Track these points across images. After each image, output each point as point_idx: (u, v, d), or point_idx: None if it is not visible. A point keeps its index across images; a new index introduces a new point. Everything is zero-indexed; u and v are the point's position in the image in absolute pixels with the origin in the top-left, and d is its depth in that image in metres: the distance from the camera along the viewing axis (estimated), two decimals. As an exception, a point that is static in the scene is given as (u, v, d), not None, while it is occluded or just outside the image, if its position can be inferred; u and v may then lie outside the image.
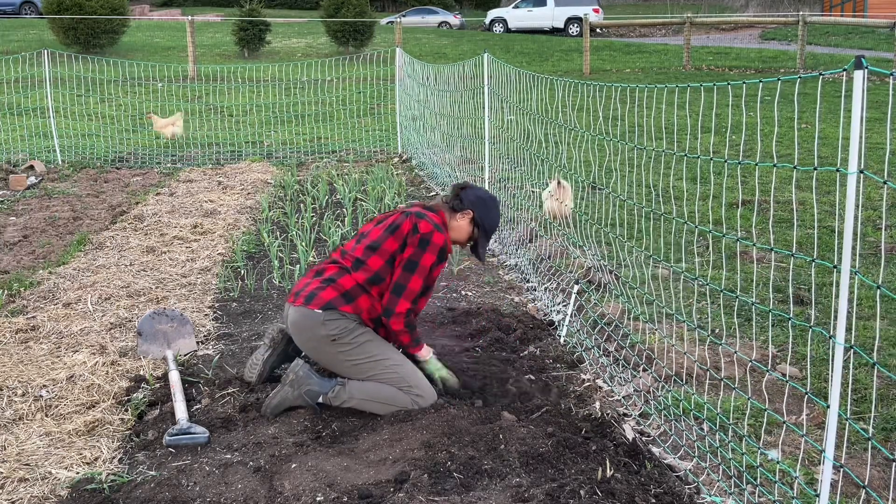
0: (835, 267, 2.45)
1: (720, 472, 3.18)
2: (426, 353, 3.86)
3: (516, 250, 6.30)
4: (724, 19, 30.74)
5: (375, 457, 3.30)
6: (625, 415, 3.72)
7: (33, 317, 4.94)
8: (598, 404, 3.76)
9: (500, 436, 3.35)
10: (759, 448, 3.28)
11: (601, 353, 4.29)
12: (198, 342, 4.64)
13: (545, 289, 5.36)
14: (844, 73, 2.42)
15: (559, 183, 6.37)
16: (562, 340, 4.58)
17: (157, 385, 4.04)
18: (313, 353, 3.77)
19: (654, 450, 3.41)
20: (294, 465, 3.23)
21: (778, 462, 3.24)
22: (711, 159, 3.76)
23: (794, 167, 2.69)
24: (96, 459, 3.36)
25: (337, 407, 3.67)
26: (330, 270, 3.78)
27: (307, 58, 22.08)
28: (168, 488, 3.08)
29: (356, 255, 3.75)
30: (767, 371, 3.59)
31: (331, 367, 3.77)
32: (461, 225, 3.88)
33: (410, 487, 3.01)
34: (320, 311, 3.65)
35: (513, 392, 3.84)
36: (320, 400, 3.67)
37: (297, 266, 5.86)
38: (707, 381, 3.83)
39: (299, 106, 13.26)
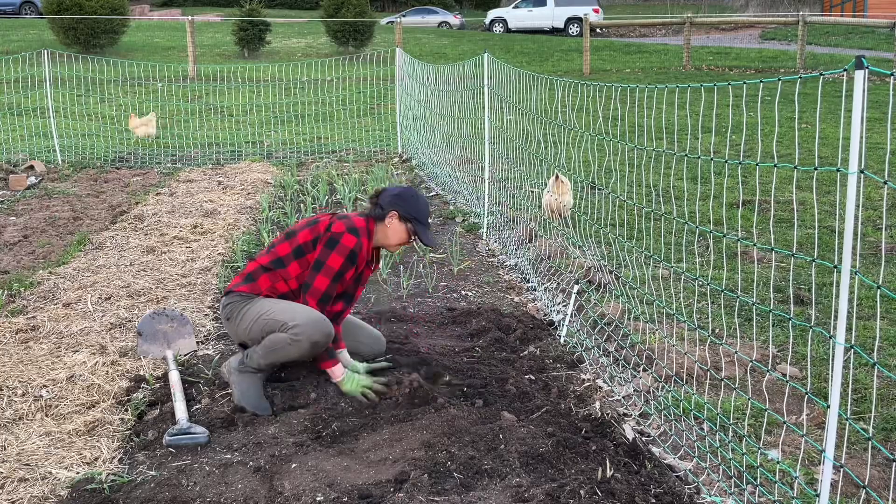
0: (835, 267, 2.45)
1: (720, 472, 3.18)
2: (339, 372, 3.79)
3: (516, 250, 6.30)
4: (724, 19, 30.74)
5: (375, 457, 3.30)
6: (625, 415, 3.72)
7: (33, 317, 4.94)
8: (598, 404, 3.76)
9: (500, 436, 3.35)
10: (759, 448, 3.28)
11: (601, 353, 4.29)
12: (198, 342, 4.64)
13: (545, 289, 5.36)
14: (845, 73, 2.42)
15: (557, 177, 6.39)
16: (562, 340, 4.58)
17: (157, 385, 4.04)
18: (236, 327, 3.88)
19: (654, 450, 3.41)
20: (294, 465, 3.23)
21: (778, 462, 3.24)
22: (711, 159, 3.76)
23: (795, 167, 2.69)
24: (96, 459, 3.36)
25: (259, 368, 3.76)
26: (251, 261, 4.00)
27: (307, 58, 22.08)
28: (168, 488, 3.08)
29: (274, 240, 3.94)
30: (767, 371, 3.59)
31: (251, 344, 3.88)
32: (393, 228, 3.88)
33: (410, 487, 3.01)
34: (225, 299, 3.88)
35: (513, 392, 3.84)
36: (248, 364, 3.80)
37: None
38: (707, 382, 3.83)
39: (299, 106, 13.26)
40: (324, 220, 3.84)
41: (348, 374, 3.80)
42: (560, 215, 6.38)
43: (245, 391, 3.73)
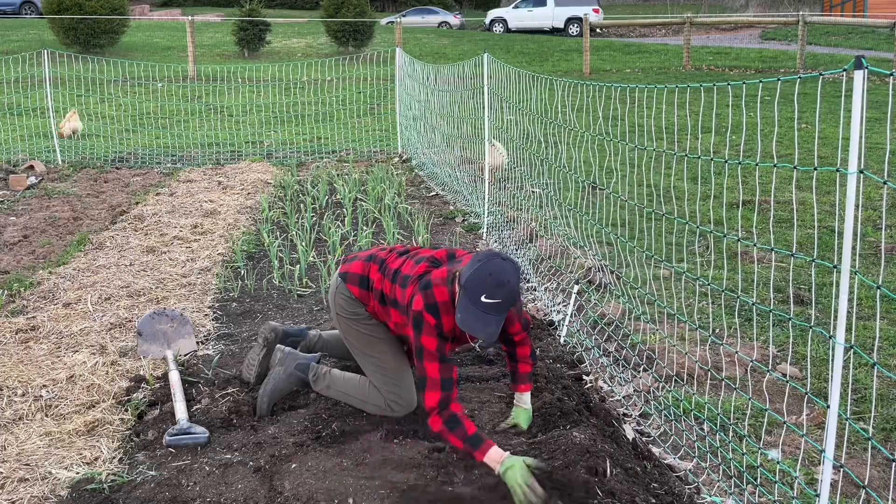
0: (835, 267, 2.45)
1: (720, 472, 3.18)
2: (497, 457, 2.97)
3: (516, 250, 6.30)
4: (724, 19, 30.73)
5: (376, 456, 3.29)
6: (625, 415, 3.72)
7: (33, 317, 4.94)
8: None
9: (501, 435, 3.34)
10: (759, 448, 3.28)
11: (601, 353, 4.29)
12: (198, 342, 4.64)
13: (545, 289, 5.36)
14: (844, 73, 2.42)
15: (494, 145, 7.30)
16: (562, 340, 4.58)
17: (157, 385, 4.04)
18: (332, 314, 3.70)
19: (654, 450, 3.41)
20: (294, 465, 3.23)
21: (778, 462, 3.24)
22: (711, 159, 3.76)
23: (794, 167, 2.69)
24: (96, 459, 3.36)
25: (315, 391, 3.74)
26: (382, 252, 3.60)
27: (307, 58, 22.07)
28: (168, 488, 3.08)
29: (392, 263, 3.49)
30: (768, 371, 3.59)
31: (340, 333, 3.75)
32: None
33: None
34: (338, 278, 3.62)
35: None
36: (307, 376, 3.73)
37: (297, 266, 5.86)
38: (707, 382, 3.83)
39: (299, 106, 13.26)
40: (410, 288, 3.28)
41: (510, 461, 2.95)
42: (500, 169, 7.28)
43: (277, 390, 3.70)
